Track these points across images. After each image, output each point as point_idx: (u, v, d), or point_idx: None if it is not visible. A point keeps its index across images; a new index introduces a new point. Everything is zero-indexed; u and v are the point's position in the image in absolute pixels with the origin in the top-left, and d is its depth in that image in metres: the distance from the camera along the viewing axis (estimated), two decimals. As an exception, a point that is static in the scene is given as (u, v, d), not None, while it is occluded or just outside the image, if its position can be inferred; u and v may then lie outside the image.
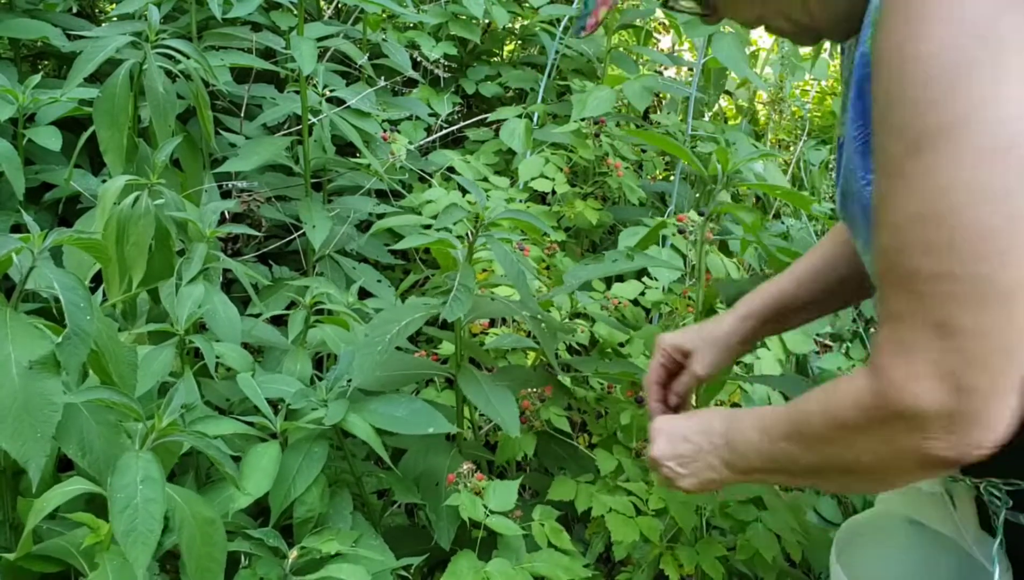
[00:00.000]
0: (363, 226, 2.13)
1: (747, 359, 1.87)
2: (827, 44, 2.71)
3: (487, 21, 2.68)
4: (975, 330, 0.69)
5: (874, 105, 0.75)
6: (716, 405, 1.73)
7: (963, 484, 0.95)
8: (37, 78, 1.64)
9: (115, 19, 2.21)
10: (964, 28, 0.68)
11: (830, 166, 3.15)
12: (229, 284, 1.83)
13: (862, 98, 0.80)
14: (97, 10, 2.50)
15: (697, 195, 2.64)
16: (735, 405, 1.99)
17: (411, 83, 2.62)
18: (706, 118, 2.95)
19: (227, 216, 1.95)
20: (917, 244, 0.72)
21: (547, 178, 2.13)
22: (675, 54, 3.32)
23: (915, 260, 0.72)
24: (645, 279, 1.91)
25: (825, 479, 0.91)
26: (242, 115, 2.13)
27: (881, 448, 0.78)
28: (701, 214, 2.20)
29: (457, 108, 2.61)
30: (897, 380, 0.73)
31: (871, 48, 0.77)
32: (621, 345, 1.76)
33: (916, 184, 0.71)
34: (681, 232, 1.73)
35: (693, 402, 1.27)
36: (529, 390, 1.44)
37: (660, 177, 2.80)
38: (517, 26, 2.94)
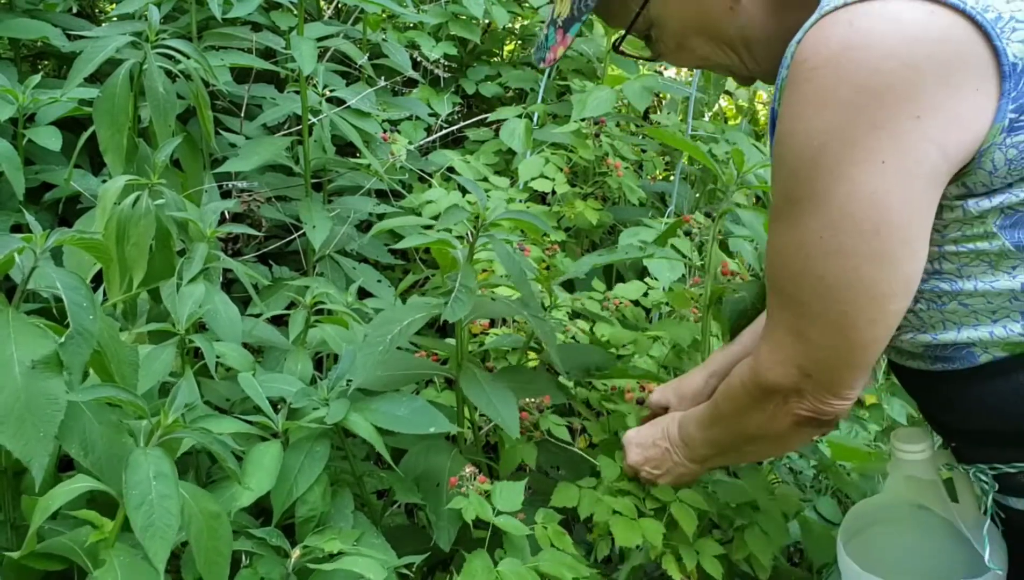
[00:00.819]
0: (363, 226, 2.13)
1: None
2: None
3: (487, 21, 2.68)
4: (817, 342, 0.94)
5: (772, 156, 0.95)
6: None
7: (959, 471, 1.03)
8: (37, 78, 1.64)
9: (115, 19, 2.21)
10: (828, 121, 0.85)
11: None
12: (229, 284, 1.83)
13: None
14: (97, 10, 2.50)
15: (697, 195, 2.64)
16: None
17: (411, 83, 2.62)
18: (706, 118, 2.94)
19: (227, 216, 1.95)
20: (783, 271, 0.95)
21: (547, 178, 2.13)
22: (675, 54, 3.31)
23: (782, 282, 0.96)
24: (647, 279, 1.91)
25: (743, 451, 1.16)
26: (242, 115, 2.13)
27: (762, 415, 1.04)
28: (707, 215, 2.20)
29: (457, 108, 2.61)
30: (765, 363, 1.00)
31: (776, 109, 0.94)
32: (624, 346, 1.76)
33: (786, 229, 0.92)
34: (688, 234, 1.73)
35: None
36: (528, 400, 1.45)
37: (660, 177, 2.80)
38: (517, 26, 2.94)
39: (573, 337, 1.78)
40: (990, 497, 0.97)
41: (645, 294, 1.86)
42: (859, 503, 1.14)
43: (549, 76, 2.54)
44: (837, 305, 0.90)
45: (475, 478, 1.24)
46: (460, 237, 1.39)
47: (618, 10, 1.09)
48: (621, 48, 1.15)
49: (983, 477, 0.98)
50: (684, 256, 1.66)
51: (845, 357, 0.94)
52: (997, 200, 0.86)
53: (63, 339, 0.95)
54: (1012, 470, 0.95)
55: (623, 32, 1.11)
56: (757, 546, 1.38)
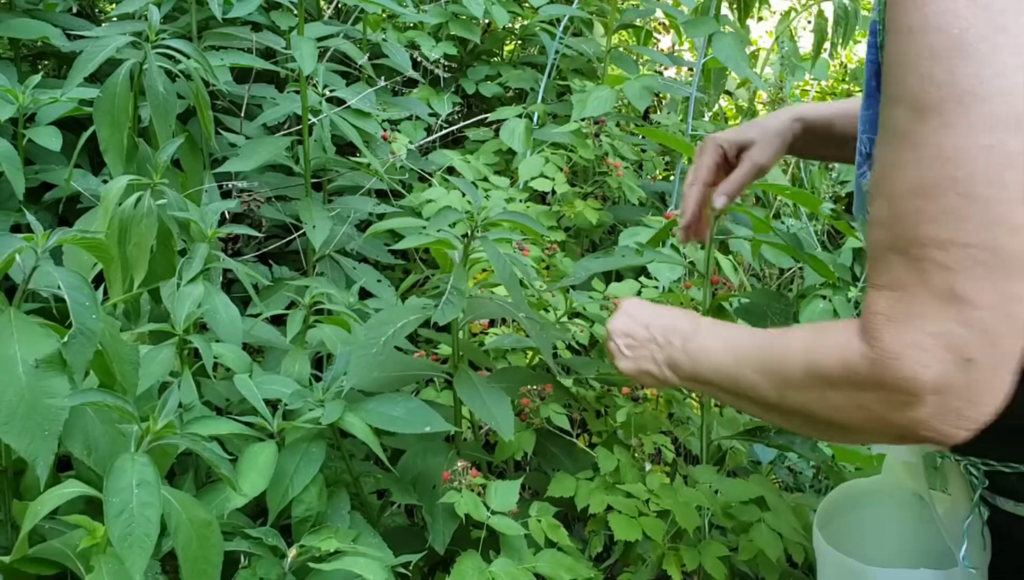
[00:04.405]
0: (363, 226, 2.13)
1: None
2: (827, 44, 2.72)
3: (487, 21, 2.69)
4: (985, 300, 0.67)
5: (883, 75, 0.75)
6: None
7: (950, 461, 0.96)
8: (37, 78, 1.64)
9: (115, 19, 2.21)
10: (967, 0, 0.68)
11: (830, 166, 3.15)
12: (229, 284, 1.83)
13: (875, 75, 0.81)
14: (97, 10, 2.49)
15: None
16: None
17: (411, 83, 2.62)
18: (706, 118, 2.95)
19: (227, 216, 1.95)
20: (924, 212, 0.70)
21: (547, 178, 2.13)
22: (675, 54, 3.32)
23: (921, 228, 0.70)
24: (643, 279, 1.91)
25: (783, 418, 0.88)
26: (242, 115, 2.13)
27: (858, 411, 0.76)
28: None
29: (457, 108, 2.61)
30: (895, 350, 0.71)
31: (881, 18, 0.77)
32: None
33: (925, 151, 0.70)
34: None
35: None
36: (529, 387, 1.44)
37: (660, 177, 2.80)
38: (517, 26, 2.94)
39: (572, 337, 1.78)
40: (978, 493, 0.91)
41: (639, 293, 1.85)
42: (846, 483, 1.09)
43: (549, 76, 2.55)
44: (1009, 235, 0.67)
45: (467, 472, 1.24)
46: (461, 236, 1.39)
47: None
48: None
49: (974, 471, 0.91)
50: (683, 255, 1.66)
51: (1018, 317, 0.68)
52: None
53: (66, 338, 0.95)
54: (1006, 470, 0.87)
55: None
56: (765, 543, 1.35)
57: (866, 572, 0.96)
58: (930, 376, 0.69)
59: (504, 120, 2.32)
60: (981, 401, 0.69)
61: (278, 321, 1.72)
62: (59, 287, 0.97)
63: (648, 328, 1.02)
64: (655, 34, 3.32)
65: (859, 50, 3.71)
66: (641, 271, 2.01)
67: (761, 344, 0.88)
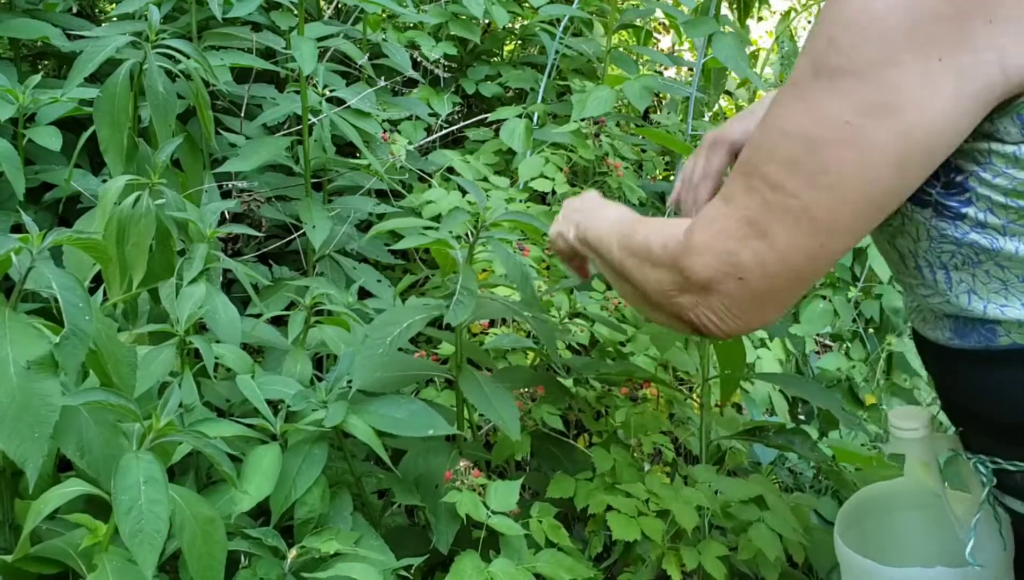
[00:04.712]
0: (363, 226, 2.13)
1: (748, 358, 1.87)
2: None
3: (487, 21, 2.68)
4: (778, 242, 0.79)
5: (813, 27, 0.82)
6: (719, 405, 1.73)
7: (962, 458, 0.98)
8: (37, 78, 1.64)
9: (115, 19, 2.21)
10: None
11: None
12: (229, 284, 1.83)
13: None
14: (97, 10, 2.49)
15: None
16: (736, 405, 1.99)
17: (411, 83, 2.62)
18: (706, 118, 2.94)
19: (227, 216, 1.95)
20: (777, 151, 0.79)
21: (547, 178, 2.13)
22: (675, 54, 3.32)
23: (767, 164, 0.80)
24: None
25: (619, 281, 1.02)
26: (242, 115, 2.12)
27: (656, 285, 0.90)
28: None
29: (457, 108, 2.61)
30: (696, 246, 0.84)
31: None
32: (622, 344, 1.76)
33: (804, 104, 0.78)
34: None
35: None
36: (521, 390, 1.44)
37: (660, 177, 2.80)
38: (517, 26, 2.94)
39: (573, 337, 1.78)
40: (986, 490, 0.92)
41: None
42: (862, 490, 1.10)
43: (549, 76, 2.54)
44: (829, 205, 0.77)
45: (469, 472, 1.24)
46: (459, 237, 1.39)
47: None
48: None
49: (982, 469, 0.92)
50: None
51: (798, 269, 0.80)
52: None
53: (58, 339, 0.94)
54: (1011, 468, 0.89)
55: None
56: (764, 543, 1.36)
57: (882, 572, 0.98)
58: (707, 275, 0.83)
59: (504, 120, 2.31)
60: (734, 313, 0.84)
61: (277, 322, 1.72)
62: (53, 288, 0.97)
63: (582, 201, 1.16)
64: (655, 34, 3.32)
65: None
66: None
67: (632, 218, 1.04)
